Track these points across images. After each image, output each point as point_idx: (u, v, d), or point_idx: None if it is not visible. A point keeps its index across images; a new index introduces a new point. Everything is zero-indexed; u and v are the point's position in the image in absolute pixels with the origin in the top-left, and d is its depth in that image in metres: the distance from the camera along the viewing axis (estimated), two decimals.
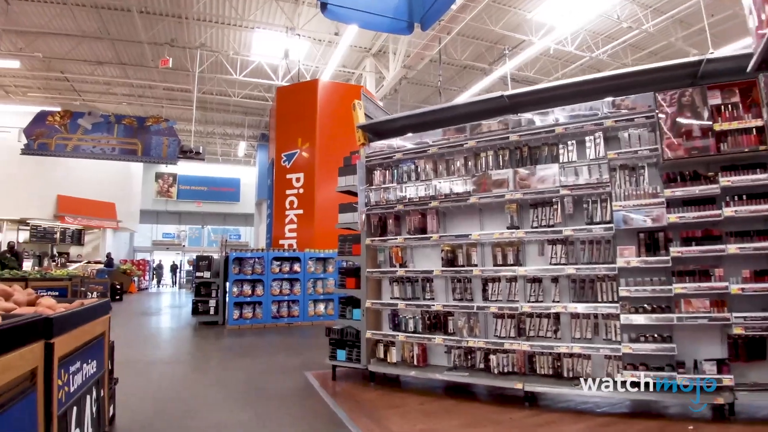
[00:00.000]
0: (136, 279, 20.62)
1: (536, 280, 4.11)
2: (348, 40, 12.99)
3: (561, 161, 4.03)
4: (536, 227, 4.10)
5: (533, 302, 4.06)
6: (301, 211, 10.67)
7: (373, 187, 4.65)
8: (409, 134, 4.62)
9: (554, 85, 4.32)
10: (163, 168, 28.25)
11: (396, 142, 4.61)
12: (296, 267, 9.32)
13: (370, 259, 4.62)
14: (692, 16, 12.32)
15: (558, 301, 4.00)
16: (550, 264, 4.03)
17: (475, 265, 4.23)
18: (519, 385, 3.85)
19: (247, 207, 29.00)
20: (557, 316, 4.02)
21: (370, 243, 4.58)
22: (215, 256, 9.88)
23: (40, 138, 12.60)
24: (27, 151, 12.76)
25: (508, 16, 12.97)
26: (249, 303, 8.93)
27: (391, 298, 4.57)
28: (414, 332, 4.40)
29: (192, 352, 6.83)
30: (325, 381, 4.70)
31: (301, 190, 10.74)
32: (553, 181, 4.00)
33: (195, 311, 9.34)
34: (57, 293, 10.47)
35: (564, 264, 3.97)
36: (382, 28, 5.67)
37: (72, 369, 2.16)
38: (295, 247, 10.24)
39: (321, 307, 9.44)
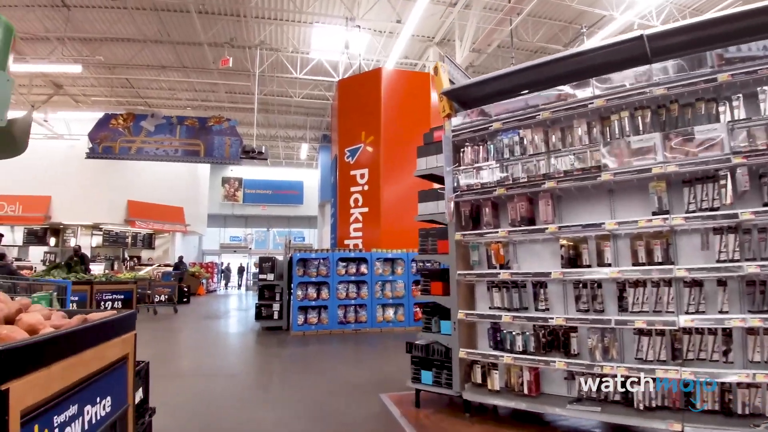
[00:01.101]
0: (204, 281, 21.01)
1: (695, 284, 3.00)
2: (410, 29, 12.14)
3: (723, 121, 2.91)
4: (693, 211, 2.99)
5: (694, 313, 2.95)
6: (366, 209, 9.93)
7: (464, 167, 3.71)
8: (510, 99, 3.65)
9: (714, 18, 3.16)
10: (229, 172, 28.95)
11: (492, 109, 3.65)
12: (363, 268, 8.57)
13: (460, 259, 3.69)
14: None
15: (726, 312, 2.88)
16: (718, 261, 2.90)
17: (609, 265, 3.17)
18: (676, 426, 2.77)
19: (310, 209, 29.08)
20: (728, 332, 2.89)
21: (461, 238, 3.64)
22: (279, 258, 9.36)
23: (105, 141, 12.84)
24: (91, 154, 13.05)
25: None
26: (314, 307, 8.30)
27: (490, 308, 3.61)
28: (523, 353, 3.41)
29: (252, 363, 6.24)
30: (406, 408, 3.82)
31: (365, 187, 10.00)
32: (719, 146, 2.88)
33: (258, 316, 8.85)
34: (122, 296, 10.57)
35: (737, 261, 2.84)
36: None
37: (60, 419, 1.43)
38: (360, 247, 9.52)
39: (390, 312, 8.61)
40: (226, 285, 26.72)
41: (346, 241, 9.96)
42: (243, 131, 19.36)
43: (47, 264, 11.05)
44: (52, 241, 17.22)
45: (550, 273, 3.28)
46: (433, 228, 3.96)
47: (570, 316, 3.24)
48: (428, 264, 8.79)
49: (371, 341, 7.68)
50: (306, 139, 24.03)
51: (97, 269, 14.25)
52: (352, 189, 10.15)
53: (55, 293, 4.66)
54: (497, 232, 3.49)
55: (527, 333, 3.47)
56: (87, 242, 18.04)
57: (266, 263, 9.07)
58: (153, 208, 18.54)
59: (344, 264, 8.57)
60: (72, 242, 16.93)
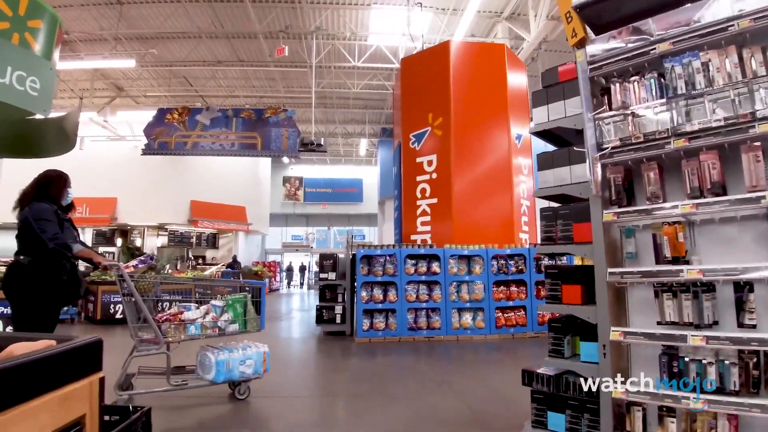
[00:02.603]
0: (267, 280, 20.82)
1: None
2: (476, 3, 10.91)
3: None
4: None
5: None
6: (434, 200, 8.79)
7: (613, 113, 2.49)
8: (677, 9, 2.39)
9: None
10: (290, 171, 28.93)
11: (654, 24, 2.41)
12: (435, 267, 7.46)
13: (609, 251, 2.47)
14: None
15: None
16: None
17: None
18: None
19: (369, 207, 28.53)
20: None
21: (614, 219, 2.42)
22: (341, 255, 8.47)
23: (160, 137, 12.61)
24: (147, 151, 12.86)
25: None
26: (381, 310, 7.30)
27: (659, 323, 2.37)
28: (719, 392, 2.16)
29: (314, 381, 5.30)
30: None
31: (434, 175, 8.87)
32: None
33: (319, 319, 7.98)
34: (179, 296, 10.13)
35: None
36: None
37: None
38: (429, 243, 8.41)
39: (467, 317, 7.42)
40: (288, 284, 26.67)
41: (413, 237, 8.88)
42: (301, 128, 18.96)
43: None
44: (119, 242, 17.58)
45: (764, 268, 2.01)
46: (562, 207, 2.76)
47: None
48: (549, 259, 7.56)
49: (449, 352, 6.54)
50: (365, 134, 23.25)
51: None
52: (419, 178, 9.05)
53: (250, 295, 4.15)
54: (677, 207, 2.24)
55: (726, 362, 2.21)
56: (153, 243, 18.32)
57: (327, 261, 8.20)
58: (215, 207, 18.50)
59: (413, 262, 7.51)
60: (138, 242, 17.19)
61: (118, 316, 9.20)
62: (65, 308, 9.58)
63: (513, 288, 7.63)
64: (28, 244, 3.19)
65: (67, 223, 3.44)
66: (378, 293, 7.29)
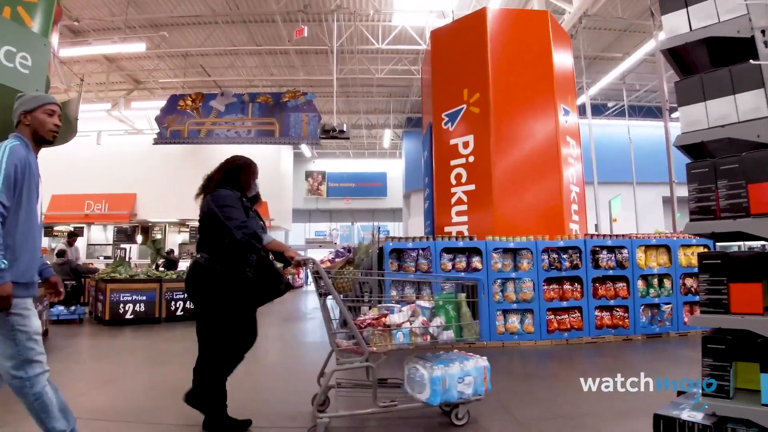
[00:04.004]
0: (290, 277, 20.16)
1: None
2: None
3: None
4: None
5: None
6: (472, 187, 7.75)
7: None
8: None
9: None
10: (312, 165, 28.30)
11: None
12: (476, 262, 6.47)
13: None
14: None
15: None
16: None
17: None
18: None
19: (394, 202, 27.68)
20: None
21: None
22: None
23: (172, 125, 11.90)
24: (159, 140, 12.20)
25: None
26: None
27: None
28: None
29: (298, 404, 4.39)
30: None
31: (470, 159, 7.83)
32: None
33: (343, 324, 7.08)
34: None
35: None
36: None
37: None
38: (466, 235, 7.39)
39: (514, 320, 6.40)
40: (307, 280, 26.11)
41: (447, 229, 7.88)
42: (324, 120, 18.18)
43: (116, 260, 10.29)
44: (139, 238, 17.15)
45: None
46: (728, 158, 1.73)
47: None
48: (609, 255, 6.53)
49: (495, 362, 5.53)
50: (389, 125, 22.31)
51: (182, 266, 13.58)
52: (453, 162, 8.02)
53: (464, 294, 3.38)
54: None
55: None
56: (174, 239, 17.84)
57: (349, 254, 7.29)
58: None
59: (450, 256, 6.53)
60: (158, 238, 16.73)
61: (128, 316, 8.55)
62: (72, 307, 8.99)
63: (566, 286, 6.57)
64: (209, 235, 2.91)
65: (253, 213, 3.11)
66: (411, 292, 6.35)
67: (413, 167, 20.15)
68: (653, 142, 20.98)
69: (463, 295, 3.38)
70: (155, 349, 6.51)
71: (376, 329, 3.05)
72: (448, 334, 3.21)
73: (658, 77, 9.48)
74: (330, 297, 3.11)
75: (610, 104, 20.48)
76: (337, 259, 3.30)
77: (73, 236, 10.27)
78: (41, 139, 2.36)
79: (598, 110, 20.21)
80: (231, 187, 3.02)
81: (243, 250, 2.83)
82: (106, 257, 16.48)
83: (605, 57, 16.30)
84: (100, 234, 18.45)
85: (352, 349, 3.10)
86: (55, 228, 16.53)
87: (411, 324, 3.13)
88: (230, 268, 2.84)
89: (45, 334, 7.11)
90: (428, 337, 3.13)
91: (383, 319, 3.13)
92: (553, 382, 4.68)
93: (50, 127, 2.35)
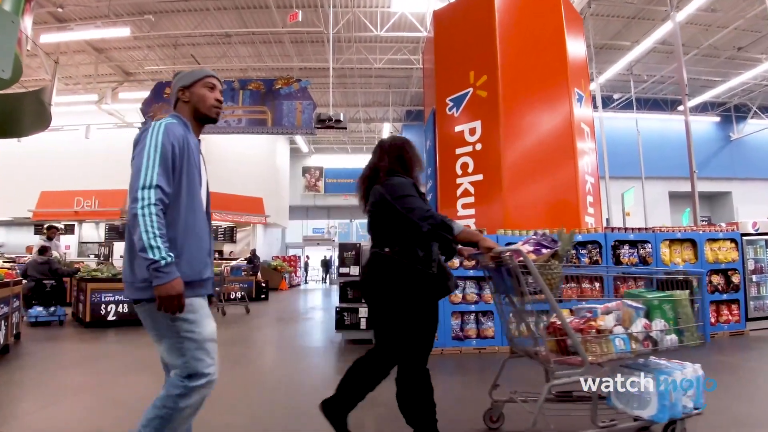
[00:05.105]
0: (287, 275, 19.64)
1: None
2: None
3: None
4: None
5: None
6: (479, 177, 7.16)
7: None
8: None
9: None
10: (310, 161, 27.72)
11: None
12: None
13: None
14: None
15: None
16: None
17: None
18: None
19: None
20: None
21: None
22: (366, 246, 6.98)
23: (158, 114, 11.25)
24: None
25: None
26: None
27: None
28: None
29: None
30: None
31: (477, 146, 7.24)
32: None
33: (340, 324, 6.51)
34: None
35: None
36: None
37: None
38: (475, 228, 6.81)
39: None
40: (305, 279, 25.65)
41: None
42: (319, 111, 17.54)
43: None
44: None
45: None
46: None
47: None
48: (631, 249, 6.05)
49: (515, 373, 4.97)
50: (388, 119, 21.73)
51: None
52: (459, 151, 7.43)
53: (686, 292, 2.84)
54: None
55: None
56: None
57: (349, 252, 6.74)
58: (230, 198, 17.35)
59: None
60: None
61: (110, 317, 7.97)
62: (52, 308, 8.42)
63: (585, 284, 5.98)
64: (388, 227, 2.52)
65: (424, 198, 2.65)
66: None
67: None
68: (659, 136, 20.46)
69: (686, 292, 2.84)
70: (135, 355, 5.91)
71: (588, 334, 2.62)
72: (671, 339, 2.71)
73: (677, 60, 8.86)
74: (537, 297, 2.73)
75: (615, 96, 19.90)
76: (543, 251, 2.69)
77: (52, 229, 9.68)
78: (204, 116, 2.11)
79: (604, 102, 19.64)
80: (402, 172, 2.62)
81: (430, 241, 2.45)
82: (96, 255, 15.91)
83: (613, 45, 15.72)
84: (92, 231, 17.86)
85: (566, 360, 2.64)
86: (44, 226, 15.95)
87: (629, 328, 2.67)
88: (419, 263, 2.44)
89: (17, 337, 6.53)
90: (650, 344, 2.66)
91: (595, 322, 2.67)
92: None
93: (212, 102, 2.10)
